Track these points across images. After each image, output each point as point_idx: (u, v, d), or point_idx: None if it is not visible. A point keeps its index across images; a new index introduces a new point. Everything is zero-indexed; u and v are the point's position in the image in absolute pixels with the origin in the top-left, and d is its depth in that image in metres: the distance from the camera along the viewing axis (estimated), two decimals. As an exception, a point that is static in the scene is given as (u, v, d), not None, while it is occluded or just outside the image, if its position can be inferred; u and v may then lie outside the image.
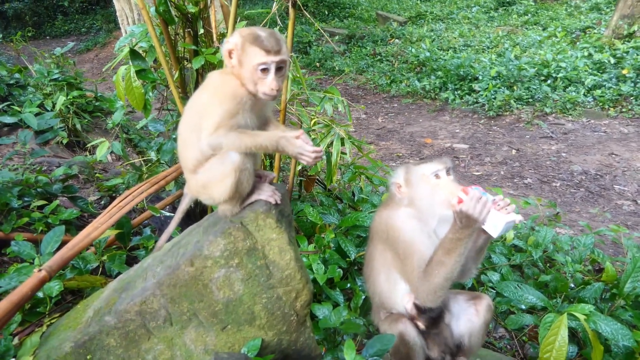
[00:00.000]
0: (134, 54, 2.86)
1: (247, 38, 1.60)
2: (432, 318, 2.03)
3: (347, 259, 3.07)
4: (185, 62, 3.11)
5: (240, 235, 1.64)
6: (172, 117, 3.17)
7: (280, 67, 1.63)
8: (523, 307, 3.07)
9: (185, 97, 3.02)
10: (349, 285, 3.00)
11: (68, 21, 19.69)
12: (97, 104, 5.86)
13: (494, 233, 1.77)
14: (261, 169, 2.12)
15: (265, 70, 1.60)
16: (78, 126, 5.34)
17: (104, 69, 3.54)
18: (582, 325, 2.49)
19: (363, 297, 2.87)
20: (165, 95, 3.24)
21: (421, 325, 2.04)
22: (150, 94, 2.85)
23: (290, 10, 2.56)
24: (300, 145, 1.60)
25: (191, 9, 2.71)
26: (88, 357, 1.64)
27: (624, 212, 6.00)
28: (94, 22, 19.08)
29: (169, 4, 2.69)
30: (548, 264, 3.81)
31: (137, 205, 3.28)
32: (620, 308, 3.13)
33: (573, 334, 3.10)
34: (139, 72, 2.80)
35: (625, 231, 4.28)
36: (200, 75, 3.00)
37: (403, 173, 2.02)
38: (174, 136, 3.10)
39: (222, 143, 1.57)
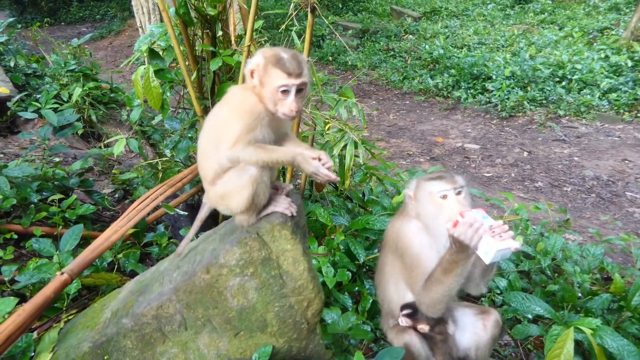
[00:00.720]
0: (152, 53, 2.89)
1: (269, 59, 1.63)
2: (434, 319, 2.05)
3: (357, 262, 3.11)
4: (203, 63, 3.15)
5: (256, 245, 1.68)
6: (187, 116, 3.21)
7: (300, 89, 1.66)
8: (530, 316, 3.08)
9: (202, 97, 3.05)
10: (357, 288, 3.04)
11: (83, 8, 19.86)
12: (112, 95, 5.92)
13: (486, 260, 1.71)
14: (278, 180, 2.16)
15: (285, 92, 1.63)
16: (93, 117, 5.41)
17: (122, 65, 3.58)
18: (588, 338, 2.50)
19: (371, 300, 2.91)
20: (182, 94, 3.28)
21: (424, 328, 2.06)
22: (168, 93, 2.89)
23: (309, 16, 2.58)
24: (317, 166, 1.63)
25: (210, 11, 2.73)
26: (105, 357, 1.70)
27: (635, 219, 5.97)
28: (108, 10, 19.19)
29: (189, 6, 2.71)
30: (556, 273, 3.82)
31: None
32: (627, 320, 3.13)
33: (578, 344, 3.12)
34: (157, 72, 2.83)
35: (635, 240, 4.26)
36: (217, 76, 3.03)
37: (414, 186, 2.04)
38: (189, 134, 3.14)
39: (239, 157, 1.61)
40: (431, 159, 7.84)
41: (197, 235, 1.96)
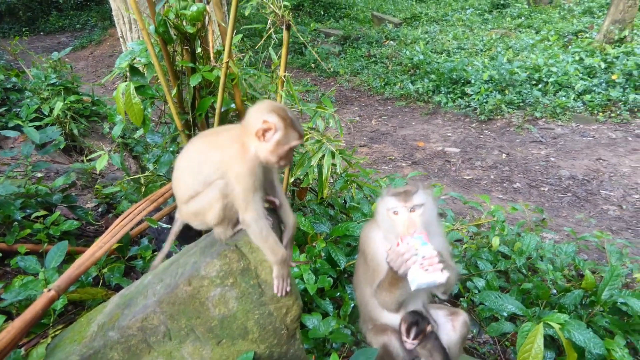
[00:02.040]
0: (133, 70, 2.97)
1: (287, 122, 1.75)
2: (419, 330, 2.14)
3: (337, 268, 3.20)
4: (183, 78, 3.22)
5: (235, 256, 1.77)
6: (169, 130, 3.28)
7: None
8: (505, 314, 3.21)
9: (182, 112, 3.13)
10: (338, 293, 3.13)
11: (62, 17, 19.60)
12: (94, 108, 5.94)
13: (412, 287, 1.85)
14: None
15: (292, 149, 1.81)
16: (75, 131, 5.42)
17: (102, 81, 3.64)
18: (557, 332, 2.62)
19: (352, 305, 3.00)
20: (163, 109, 3.35)
21: (409, 345, 2.16)
22: (149, 109, 2.96)
23: (284, 33, 2.68)
24: (281, 275, 1.83)
25: (189, 29, 2.82)
26: (93, 369, 1.77)
27: (609, 217, 6.17)
28: (88, 19, 19.00)
29: (168, 24, 2.79)
30: (531, 271, 3.96)
31: (135, 216, 3.40)
32: (598, 314, 3.28)
33: (553, 340, 3.26)
34: (138, 88, 2.90)
35: (608, 237, 4.43)
36: (197, 92, 3.11)
37: (380, 198, 2.13)
38: (171, 148, 3.21)
39: (250, 224, 1.76)
40: (413, 163, 7.99)
41: (179, 247, 2.04)
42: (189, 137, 3.12)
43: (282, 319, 1.85)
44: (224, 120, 3.20)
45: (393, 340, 2.08)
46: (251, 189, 1.74)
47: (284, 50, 2.74)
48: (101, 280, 2.68)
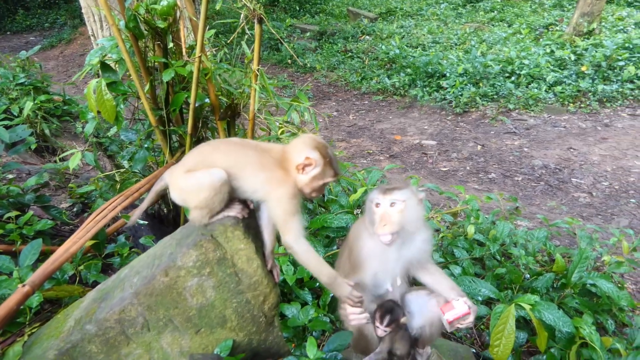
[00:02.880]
0: (104, 66, 2.94)
1: (327, 160, 1.89)
2: (391, 320, 2.20)
3: (316, 259, 3.24)
4: (156, 74, 3.21)
5: (210, 246, 1.78)
6: (143, 127, 3.26)
7: None
8: (480, 298, 3.30)
9: (156, 107, 3.12)
10: (317, 284, 3.17)
11: (30, 16, 19.03)
12: (65, 107, 5.83)
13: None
14: None
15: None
16: (47, 131, 5.32)
17: (73, 79, 3.58)
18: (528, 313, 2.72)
19: (331, 295, 3.04)
20: (136, 105, 3.33)
21: (380, 331, 2.21)
22: (122, 105, 2.94)
23: (256, 27, 2.69)
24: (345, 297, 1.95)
25: (160, 24, 2.81)
26: (71, 363, 1.77)
27: (580, 204, 6.37)
28: (57, 17, 18.49)
29: (139, 20, 2.78)
30: (505, 257, 4.08)
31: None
32: (569, 296, 3.40)
33: (526, 322, 3.37)
34: (110, 85, 2.88)
35: (579, 223, 4.58)
36: (170, 87, 3.10)
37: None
38: (146, 145, 3.20)
39: (293, 247, 1.85)
40: (390, 156, 8.09)
41: (155, 242, 2.04)
42: (163, 133, 3.11)
43: (259, 307, 1.88)
44: (199, 115, 3.20)
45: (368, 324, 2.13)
46: (292, 212, 1.84)
47: (256, 44, 2.76)
48: (78, 278, 2.66)
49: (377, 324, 2.15)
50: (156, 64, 3.13)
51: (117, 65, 3.08)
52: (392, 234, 1.97)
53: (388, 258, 2.11)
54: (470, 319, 2.07)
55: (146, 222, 3.01)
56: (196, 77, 2.81)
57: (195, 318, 1.82)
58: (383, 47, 12.18)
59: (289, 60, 12.67)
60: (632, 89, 9.03)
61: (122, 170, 3.32)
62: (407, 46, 12.27)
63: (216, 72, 3.20)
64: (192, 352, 1.82)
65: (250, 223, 1.86)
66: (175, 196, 1.88)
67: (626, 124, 8.41)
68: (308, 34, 14.13)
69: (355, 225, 2.28)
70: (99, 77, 2.96)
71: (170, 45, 3.07)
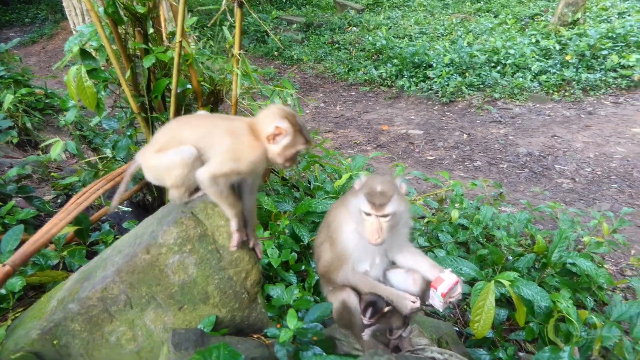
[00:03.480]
0: (84, 53, 2.92)
1: (296, 128, 1.87)
2: (375, 311, 2.25)
3: (301, 243, 3.28)
4: (137, 61, 3.20)
5: (191, 223, 1.81)
6: (125, 114, 3.25)
7: None
8: (463, 279, 3.35)
9: (138, 94, 3.11)
10: (303, 267, 3.21)
11: (9, 11, 18.57)
12: (47, 101, 5.77)
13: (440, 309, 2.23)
14: None
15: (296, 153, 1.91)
16: (29, 125, 5.27)
17: (53, 68, 3.56)
18: (508, 290, 2.78)
19: (316, 278, 3.08)
20: (117, 93, 3.32)
21: (366, 321, 2.26)
22: (103, 92, 2.93)
23: (237, 10, 2.70)
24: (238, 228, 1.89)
25: (140, 9, 2.80)
26: (54, 342, 1.78)
27: (563, 189, 6.47)
28: (38, 12, 18.10)
29: (118, 5, 2.77)
30: (488, 240, 4.15)
31: (95, 202, 3.37)
32: (550, 276, 3.48)
33: (508, 302, 3.44)
34: (90, 72, 2.87)
35: (561, 207, 4.67)
36: (152, 73, 3.09)
37: (358, 186, 2.13)
38: (128, 133, 3.19)
39: (208, 188, 1.78)
40: (378, 146, 8.13)
41: (136, 223, 2.05)
42: (145, 120, 3.11)
43: (242, 283, 1.91)
44: (182, 102, 3.20)
45: (352, 296, 2.17)
46: (239, 172, 1.81)
47: (237, 28, 2.76)
48: (61, 266, 2.66)
49: (361, 315, 2.21)
50: (137, 51, 3.12)
51: (97, 54, 3.06)
52: (383, 240, 2.05)
53: (365, 242, 2.15)
54: (459, 289, 2.12)
55: (130, 209, 3.02)
56: (177, 63, 2.81)
57: (177, 295, 1.84)
58: (370, 38, 12.20)
59: (276, 52, 12.63)
60: (615, 78, 9.16)
61: (103, 156, 3.31)
62: (394, 37, 12.30)
63: (198, 58, 3.20)
64: (175, 328, 1.84)
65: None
66: (150, 176, 1.88)
67: (609, 111, 8.54)
68: (294, 25, 14.09)
69: (334, 211, 2.29)
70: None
71: (151, 31, 3.06)
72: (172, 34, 3.08)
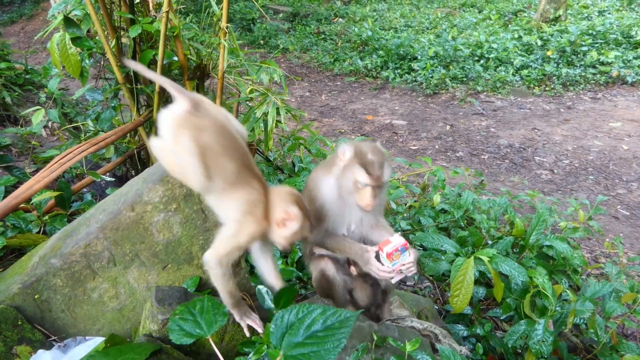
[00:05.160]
0: (68, 21, 2.87)
1: (305, 214, 1.81)
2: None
3: (285, 219, 3.29)
4: (123, 32, 3.16)
5: (177, 182, 1.80)
6: (109, 86, 3.21)
7: None
8: (443, 258, 3.43)
9: (123, 65, 3.07)
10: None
11: (-14, -11, 18.03)
12: (27, 77, 5.65)
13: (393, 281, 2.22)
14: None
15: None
16: (8, 100, 5.15)
17: (35, 37, 3.48)
18: (487, 267, 2.85)
19: (299, 254, 3.11)
20: (102, 64, 3.27)
21: (354, 271, 2.29)
22: (87, 61, 2.88)
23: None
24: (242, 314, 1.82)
25: (126, -23, 2.77)
26: (36, 296, 1.77)
27: (542, 180, 6.62)
28: (18, -8, 17.61)
29: (104, -28, 2.73)
30: (469, 224, 4.23)
31: (77, 171, 3.33)
32: (527, 258, 3.57)
33: (487, 284, 3.52)
34: (75, 40, 2.82)
35: (539, 195, 4.79)
36: (138, 44, 3.06)
37: (349, 156, 2.09)
38: (112, 104, 3.15)
39: (213, 270, 1.71)
40: (362, 135, 8.17)
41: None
42: (131, 91, 3.08)
43: (226, 246, 1.91)
44: (167, 74, 3.17)
45: (329, 265, 2.20)
46: (239, 247, 1.74)
47: (225, 1, 2.75)
48: (42, 232, 2.62)
49: (352, 267, 2.26)
50: (122, 22, 3.08)
51: (82, 24, 3.01)
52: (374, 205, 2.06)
53: (343, 209, 2.18)
54: (411, 258, 2.09)
55: (113, 179, 2.99)
56: (163, 34, 2.79)
57: (161, 254, 1.84)
58: (356, 29, 12.22)
59: (261, 41, 12.56)
60: (594, 74, 9.38)
61: (86, 129, 3.26)
62: (379, 29, 12.35)
63: (185, 35, 3.18)
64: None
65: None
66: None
67: (587, 106, 8.75)
68: (281, 15, 14.01)
69: (316, 176, 2.29)
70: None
71: (137, 0, 3.02)
72: (159, 5, 3.05)
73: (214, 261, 1.67)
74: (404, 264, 2.07)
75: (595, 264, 4.66)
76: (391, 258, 2.03)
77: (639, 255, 4.32)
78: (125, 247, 1.81)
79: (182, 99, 1.61)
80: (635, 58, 9.56)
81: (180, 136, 1.56)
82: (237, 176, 1.68)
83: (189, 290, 1.82)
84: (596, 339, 2.81)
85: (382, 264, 2.06)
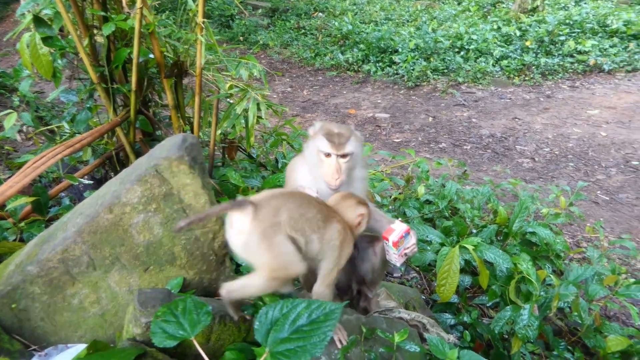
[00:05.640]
0: (38, 20, 2.78)
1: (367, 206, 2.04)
2: None
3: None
4: (96, 30, 3.08)
5: (156, 181, 1.76)
6: (84, 86, 3.13)
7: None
8: (429, 248, 3.44)
9: (97, 64, 3.00)
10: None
11: (-48, -10, 17.44)
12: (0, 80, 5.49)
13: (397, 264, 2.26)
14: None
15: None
16: (-21, 104, 5.00)
17: (5, 39, 3.38)
18: (472, 255, 2.87)
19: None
20: (76, 64, 3.19)
21: None
22: (59, 61, 2.81)
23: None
24: None
25: (97, -27, 2.69)
26: (13, 305, 1.71)
27: (523, 168, 6.71)
28: (-14, -8, 17.09)
29: (74, -31, 2.65)
30: (453, 214, 4.26)
31: (54, 175, 3.25)
32: (511, 245, 3.61)
33: (473, 272, 3.55)
34: (46, 40, 2.74)
35: (521, 183, 4.84)
36: (112, 43, 2.99)
37: (315, 130, 2.12)
38: (88, 105, 3.08)
39: (326, 297, 1.90)
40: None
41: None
42: (106, 91, 3.01)
43: (209, 245, 1.88)
44: (144, 73, 3.11)
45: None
46: (341, 269, 1.93)
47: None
48: (19, 239, 2.55)
49: None
50: (95, 19, 3.00)
51: (52, 23, 2.92)
52: (341, 182, 2.06)
53: (323, 194, 2.17)
54: (413, 239, 2.15)
55: (91, 182, 2.92)
56: (138, 30, 2.73)
57: (143, 256, 1.80)
58: (336, 23, 12.19)
59: (241, 37, 12.44)
60: (572, 63, 9.52)
61: (62, 132, 3.18)
62: (360, 22, 12.33)
63: (162, 31, 3.11)
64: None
65: (197, 158, 1.84)
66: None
67: (566, 95, 8.88)
68: (260, 10, 13.90)
69: (292, 163, 2.28)
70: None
71: (110, -3, 2.95)
72: (132, 2, 2.98)
73: (326, 292, 1.88)
74: (407, 247, 2.14)
75: (577, 248, 4.74)
76: (397, 245, 2.09)
77: (620, 238, 4.40)
78: (105, 250, 1.76)
79: (241, 212, 1.64)
80: (611, 46, 9.73)
81: (267, 238, 1.63)
82: (321, 216, 1.83)
83: (172, 291, 1.79)
84: (580, 322, 2.86)
85: (388, 252, 2.15)
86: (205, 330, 1.60)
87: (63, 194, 3.24)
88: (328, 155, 2.04)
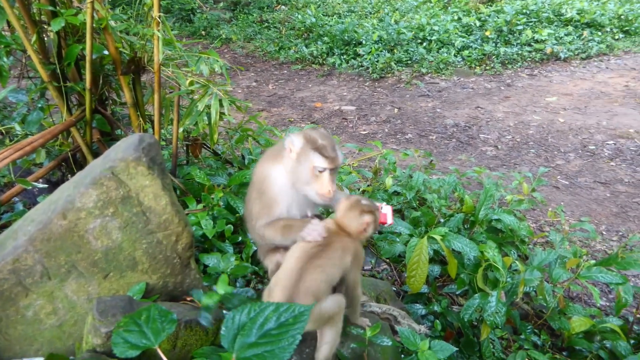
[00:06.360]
0: (-21, 16, 2.61)
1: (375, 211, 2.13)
2: None
3: (237, 215, 3.21)
4: (46, 25, 2.92)
5: (112, 184, 1.67)
6: (35, 85, 2.97)
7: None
8: (398, 239, 3.47)
9: (47, 62, 2.85)
10: (240, 238, 3.14)
11: None
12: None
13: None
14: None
15: None
16: None
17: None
18: (440, 245, 2.91)
19: (254, 248, 3.03)
20: (24, 62, 3.02)
21: None
22: (5, 59, 2.64)
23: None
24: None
25: (43, -35, 2.54)
26: (-41, 322, 1.60)
27: (487, 156, 6.86)
28: None
29: (16, -40, 2.49)
30: (421, 204, 4.30)
31: (6, 179, 3.08)
32: (478, 233, 3.68)
33: (442, 261, 3.60)
34: (-11, 36, 2.58)
35: (486, 171, 4.95)
36: (62, 39, 2.84)
37: (299, 145, 2.04)
38: (39, 105, 2.92)
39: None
40: (312, 123, 8.12)
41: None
42: (59, 90, 2.86)
43: (172, 247, 1.81)
44: (98, 69, 2.98)
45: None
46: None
47: (155, -12, 2.59)
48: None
49: None
50: (43, 14, 2.84)
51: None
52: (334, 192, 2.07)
53: (298, 197, 2.13)
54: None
55: (46, 186, 2.78)
56: (90, 26, 2.60)
57: (101, 262, 1.72)
58: (299, 16, 12.09)
59: (203, 32, 12.18)
60: (529, 51, 9.79)
61: (13, 134, 3.01)
62: (323, 15, 12.28)
63: (117, 26, 2.98)
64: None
65: (155, 158, 1.76)
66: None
67: (525, 83, 9.13)
68: (221, 4, 13.63)
69: (264, 168, 2.20)
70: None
71: (58, -9, 2.80)
72: (83, -5, 2.84)
73: (359, 292, 2.10)
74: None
75: (540, 233, 4.89)
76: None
77: (579, 221, 4.55)
78: (60, 258, 1.67)
79: None
80: (566, 35, 10.06)
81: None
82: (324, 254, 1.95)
83: (135, 298, 1.71)
84: (545, 305, 2.94)
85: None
86: (171, 336, 1.54)
87: (17, 199, 3.08)
88: (323, 170, 2.01)
